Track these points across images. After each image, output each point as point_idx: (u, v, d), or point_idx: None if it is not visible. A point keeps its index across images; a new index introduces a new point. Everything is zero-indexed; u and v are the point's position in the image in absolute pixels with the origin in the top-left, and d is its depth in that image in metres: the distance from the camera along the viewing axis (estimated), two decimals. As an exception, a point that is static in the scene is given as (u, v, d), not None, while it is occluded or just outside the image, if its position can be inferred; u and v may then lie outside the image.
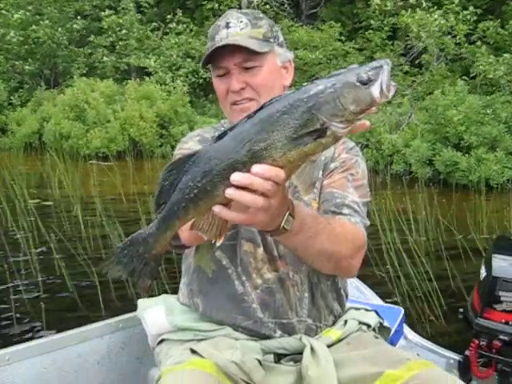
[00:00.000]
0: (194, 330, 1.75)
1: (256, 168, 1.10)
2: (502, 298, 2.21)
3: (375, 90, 1.08)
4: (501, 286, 2.22)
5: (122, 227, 6.33)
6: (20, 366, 1.96)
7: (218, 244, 1.22)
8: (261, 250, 1.69)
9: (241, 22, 1.66)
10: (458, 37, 14.09)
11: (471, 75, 13.87)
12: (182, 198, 1.16)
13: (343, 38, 17.43)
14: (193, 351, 1.65)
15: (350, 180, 1.72)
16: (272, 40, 1.70)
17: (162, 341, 1.83)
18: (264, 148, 1.09)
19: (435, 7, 14.39)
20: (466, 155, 11.20)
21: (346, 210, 1.65)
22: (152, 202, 1.52)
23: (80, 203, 7.73)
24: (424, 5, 14.21)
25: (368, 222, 1.71)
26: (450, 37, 14.05)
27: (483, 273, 2.35)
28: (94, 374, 2.16)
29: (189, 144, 1.80)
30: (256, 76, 1.66)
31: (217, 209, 1.15)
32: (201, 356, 1.62)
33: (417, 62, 15.20)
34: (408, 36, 14.65)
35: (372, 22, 16.45)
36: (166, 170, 1.19)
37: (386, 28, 16.36)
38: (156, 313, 1.85)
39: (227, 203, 1.16)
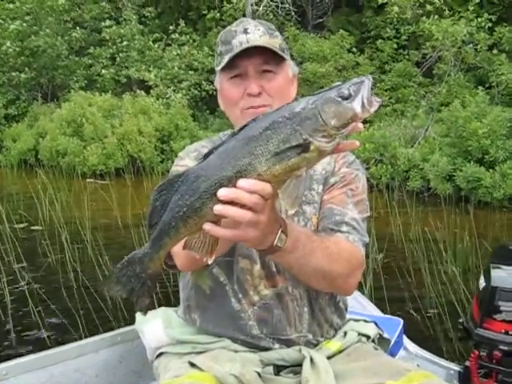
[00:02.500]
0: (193, 342, 1.75)
1: (241, 182, 1.13)
2: (501, 308, 2.19)
3: (356, 105, 1.11)
4: (500, 295, 2.20)
5: (111, 258, 5.76)
6: (17, 380, 1.97)
7: (209, 262, 1.24)
8: (258, 266, 1.69)
9: (258, 29, 1.69)
10: (479, 45, 13.37)
11: (487, 85, 13.14)
12: (172, 217, 1.19)
13: (354, 49, 16.70)
14: (192, 364, 1.66)
15: (350, 196, 1.73)
16: (285, 51, 1.74)
17: (160, 354, 1.83)
18: (248, 163, 1.13)
19: (457, 15, 13.74)
20: (490, 170, 10.41)
21: (344, 228, 1.66)
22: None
23: (69, 229, 6.99)
24: (446, 13, 13.52)
25: (367, 240, 1.71)
26: (471, 45, 13.32)
27: (482, 283, 2.34)
28: None
29: (185, 160, 1.79)
30: (272, 81, 1.69)
31: (207, 226, 1.18)
32: (200, 369, 1.62)
33: (434, 71, 14.50)
34: (425, 45, 13.97)
35: (388, 30, 15.76)
36: (156, 190, 1.22)
37: (404, 37, 15.67)
38: (154, 326, 1.85)
39: (217, 220, 1.19)
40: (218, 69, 1.74)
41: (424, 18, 13.89)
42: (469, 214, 8.89)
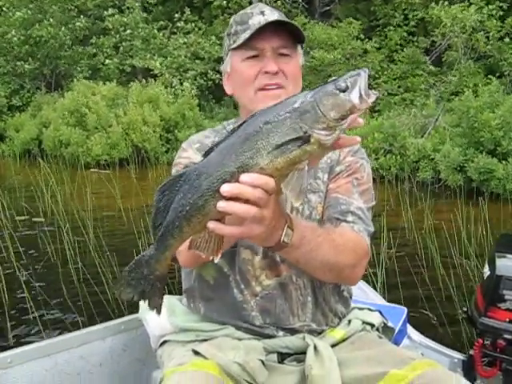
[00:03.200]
0: (197, 330, 1.75)
1: (244, 177, 1.12)
2: (505, 297, 2.20)
3: (354, 96, 1.12)
4: (504, 284, 2.20)
5: (113, 251, 5.62)
6: (22, 368, 1.97)
7: (216, 261, 1.23)
8: (259, 257, 1.69)
9: (274, 14, 1.68)
10: (491, 33, 13.06)
11: (497, 74, 12.86)
12: (175, 216, 1.18)
13: (362, 36, 16.41)
14: (195, 352, 1.65)
15: (355, 185, 1.72)
16: (302, 35, 1.72)
17: (164, 342, 1.83)
18: (250, 157, 1.12)
19: (466, 1, 13.41)
20: (503, 162, 10.16)
21: (350, 218, 1.65)
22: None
23: (71, 221, 6.79)
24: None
25: (372, 229, 1.70)
26: (482, 33, 13.01)
27: (487, 271, 2.34)
28: (96, 377, 2.16)
29: (188, 152, 1.79)
30: (289, 64, 1.68)
31: (211, 224, 1.17)
32: (203, 357, 1.62)
33: (443, 59, 14.19)
34: (434, 32, 13.66)
35: (396, 15, 15.44)
36: (159, 191, 1.20)
37: (412, 23, 15.35)
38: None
39: (221, 218, 1.18)
40: (231, 47, 1.70)
41: (433, 4, 13.55)
42: (481, 206, 8.68)
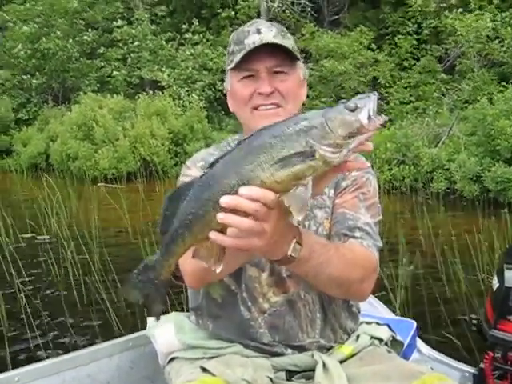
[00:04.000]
0: (205, 347, 1.74)
1: (242, 189, 1.12)
2: None
3: (363, 116, 1.13)
4: None
5: (118, 271, 5.37)
6: None
7: (217, 271, 1.23)
8: (266, 274, 1.67)
9: (271, 30, 1.67)
10: (506, 41, 12.79)
11: (511, 81, 12.57)
12: (179, 225, 1.20)
13: (374, 45, 16.19)
14: (203, 369, 1.64)
15: (362, 199, 1.71)
16: (298, 54, 1.72)
17: (172, 359, 1.81)
18: (251, 170, 1.13)
19: (483, 10, 13.17)
20: (521, 171, 9.87)
21: (358, 233, 1.64)
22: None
23: (76, 240, 6.55)
24: (472, 6, 12.94)
25: (381, 244, 1.68)
26: (497, 41, 12.74)
27: (496, 283, 2.31)
28: None
29: (192, 170, 1.79)
30: (285, 82, 1.67)
31: (212, 235, 1.18)
32: (212, 374, 1.60)
33: (456, 67, 13.93)
34: (447, 40, 13.42)
35: (410, 23, 15.21)
36: (167, 198, 1.23)
37: (426, 31, 15.10)
38: (166, 331, 1.83)
39: (223, 229, 1.18)
40: (228, 68, 1.71)
41: (446, 12, 13.30)
42: (499, 217, 8.40)
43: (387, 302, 3.82)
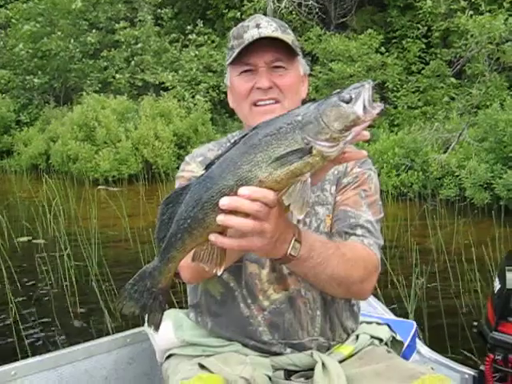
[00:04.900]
0: (203, 345, 1.74)
1: (242, 190, 1.12)
2: None
3: (358, 107, 1.11)
4: None
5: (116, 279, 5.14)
6: (26, 381, 1.96)
7: (219, 273, 1.23)
8: (266, 271, 1.68)
9: (271, 25, 1.66)
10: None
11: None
12: (178, 229, 1.19)
13: (383, 48, 15.93)
14: (202, 366, 1.63)
15: (363, 197, 1.71)
16: (298, 49, 1.71)
17: (170, 356, 1.81)
18: (249, 170, 1.12)
19: (493, 11, 12.91)
20: (533, 178, 9.60)
21: (359, 231, 1.64)
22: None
23: (74, 245, 6.33)
24: (482, 8, 12.67)
25: (382, 242, 1.68)
26: (510, 43, 12.45)
27: (497, 285, 2.30)
28: None
29: (191, 166, 1.79)
30: (283, 77, 1.67)
31: (213, 237, 1.18)
32: (210, 371, 1.60)
33: (467, 72, 13.65)
34: (456, 43, 13.14)
35: (420, 26, 14.95)
36: (163, 203, 1.22)
37: (436, 34, 14.83)
38: (164, 328, 1.76)
39: (223, 231, 1.19)
40: (228, 63, 1.72)
41: (458, 13, 13.04)
42: (511, 226, 8.16)
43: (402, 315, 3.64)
